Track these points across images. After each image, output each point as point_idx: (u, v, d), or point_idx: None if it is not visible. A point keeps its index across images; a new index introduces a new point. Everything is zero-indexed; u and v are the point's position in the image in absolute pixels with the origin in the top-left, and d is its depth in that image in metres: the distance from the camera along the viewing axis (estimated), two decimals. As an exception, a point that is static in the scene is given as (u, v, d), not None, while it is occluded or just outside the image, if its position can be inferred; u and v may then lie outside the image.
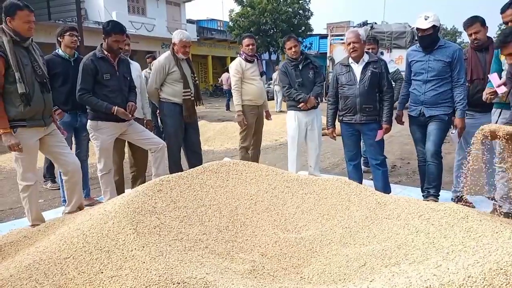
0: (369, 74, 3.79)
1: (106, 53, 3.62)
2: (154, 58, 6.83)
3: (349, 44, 3.81)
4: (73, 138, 4.12)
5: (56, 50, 3.98)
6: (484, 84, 3.70)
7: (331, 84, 4.08)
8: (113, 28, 3.57)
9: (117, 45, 3.60)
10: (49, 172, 4.98)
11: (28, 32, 3.00)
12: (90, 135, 3.76)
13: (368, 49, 4.39)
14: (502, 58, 3.21)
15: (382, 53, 4.78)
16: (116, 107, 3.58)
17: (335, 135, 4.22)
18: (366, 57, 3.86)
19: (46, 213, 3.81)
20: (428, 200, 3.46)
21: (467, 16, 3.75)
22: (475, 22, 3.67)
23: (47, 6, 11.06)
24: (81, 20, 10.44)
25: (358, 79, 3.83)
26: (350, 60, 3.91)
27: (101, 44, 3.66)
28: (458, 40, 53.14)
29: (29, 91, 2.98)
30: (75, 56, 4.00)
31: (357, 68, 3.86)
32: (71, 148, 4.02)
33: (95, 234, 2.12)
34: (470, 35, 3.70)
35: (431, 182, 3.78)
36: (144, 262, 1.88)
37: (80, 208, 3.48)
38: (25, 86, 2.95)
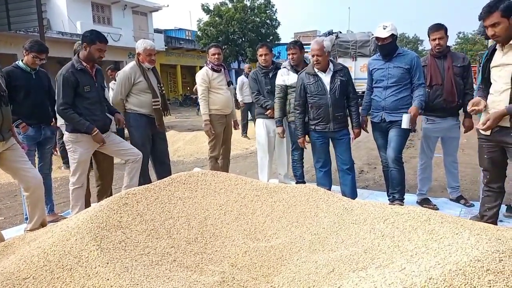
0: (339, 83, 3.85)
1: (85, 64, 3.56)
2: (117, 69, 6.70)
3: (313, 56, 3.84)
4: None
5: (17, 62, 3.84)
6: (443, 90, 3.86)
7: (297, 93, 4.04)
8: (98, 36, 3.54)
9: (99, 54, 3.56)
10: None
11: None
12: (68, 147, 3.65)
13: (289, 54, 4.44)
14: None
15: (307, 58, 4.73)
16: (97, 130, 3.53)
17: (307, 142, 4.20)
18: (331, 66, 3.91)
19: (6, 231, 3.65)
20: (394, 204, 3.55)
21: (428, 25, 3.92)
22: (441, 28, 3.83)
23: (7, 15, 10.65)
24: (43, 30, 10.08)
25: (328, 88, 3.86)
26: (316, 69, 3.94)
27: (77, 55, 3.59)
28: (420, 48, 55.31)
29: None
30: (37, 68, 3.87)
31: (325, 78, 3.88)
32: (35, 162, 3.90)
33: (56, 252, 2.04)
34: (434, 39, 3.85)
35: (395, 187, 3.88)
36: (108, 279, 1.82)
37: (43, 224, 3.35)
38: None
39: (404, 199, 3.92)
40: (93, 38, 3.52)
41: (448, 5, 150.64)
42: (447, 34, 3.87)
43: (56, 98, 3.55)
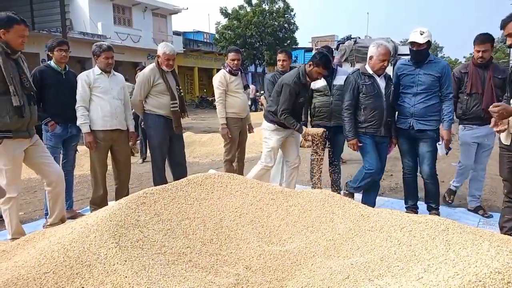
0: (392, 88, 3.81)
1: (307, 79, 3.91)
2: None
3: (384, 61, 3.69)
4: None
5: (48, 62, 4.03)
6: (482, 99, 3.83)
7: (350, 92, 3.79)
8: (324, 62, 3.83)
9: (317, 75, 3.89)
10: None
11: (20, 46, 3.05)
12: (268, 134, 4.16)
13: None
14: None
15: (339, 66, 4.73)
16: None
17: (360, 144, 3.82)
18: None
19: (26, 226, 3.73)
20: (430, 214, 3.58)
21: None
22: (487, 42, 3.80)
23: (31, 15, 10.94)
24: (65, 30, 10.34)
25: (383, 91, 3.77)
26: (370, 71, 3.79)
27: (303, 70, 3.91)
28: (439, 55, 54.53)
29: (23, 103, 2.99)
30: (67, 69, 4.05)
31: (380, 81, 3.78)
32: (59, 159, 4.03)
33: (76, 248, 2.09)
34: (478, 51, 3.81)
35: (430, 197, 3.91)
36: (126, 277, 1.86)
37: (62, 220, 3.43)
38: (19, 99, 2.97)
39: (439, 208, 3.94)
40: (319, 62, 3.80)
41: (468, 11, 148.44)
42: (493, 46, 3.85)
43: (278, 102, 3.95)
